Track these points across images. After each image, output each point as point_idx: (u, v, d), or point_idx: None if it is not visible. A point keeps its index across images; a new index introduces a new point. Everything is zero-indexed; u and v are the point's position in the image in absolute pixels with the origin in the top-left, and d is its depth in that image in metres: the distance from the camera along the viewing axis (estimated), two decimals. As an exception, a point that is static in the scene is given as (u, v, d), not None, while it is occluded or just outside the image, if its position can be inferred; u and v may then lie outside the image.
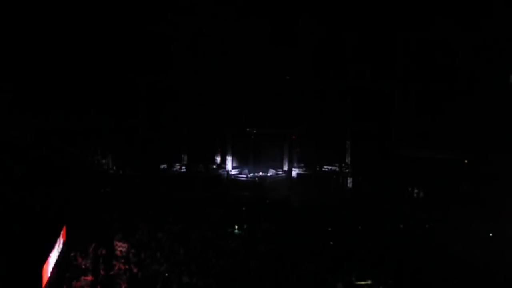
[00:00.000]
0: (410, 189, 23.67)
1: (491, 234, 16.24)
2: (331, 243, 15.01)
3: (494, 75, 22.26)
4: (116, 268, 12.68)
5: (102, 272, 12.29)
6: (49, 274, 7.91)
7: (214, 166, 26.98)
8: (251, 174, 25.95)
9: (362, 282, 11.78)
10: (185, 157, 26.71)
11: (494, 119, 21.51)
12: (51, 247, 8.24)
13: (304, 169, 26.76)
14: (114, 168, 25.12)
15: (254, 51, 24.01)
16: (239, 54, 24.23)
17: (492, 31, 21.61)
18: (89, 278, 11.85)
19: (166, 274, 11.98)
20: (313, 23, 23.11)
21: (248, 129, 26.30)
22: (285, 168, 26.84)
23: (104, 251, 13.62)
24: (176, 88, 25.22)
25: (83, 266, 12.66)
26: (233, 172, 26.60)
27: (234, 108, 25.12)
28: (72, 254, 12.80)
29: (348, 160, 26.11)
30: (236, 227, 16.95)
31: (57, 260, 8.68)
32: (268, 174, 26.13)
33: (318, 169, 26.18)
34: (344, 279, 11.83)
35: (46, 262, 7.70)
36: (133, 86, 24.56)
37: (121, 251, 13.90)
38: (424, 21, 22.46)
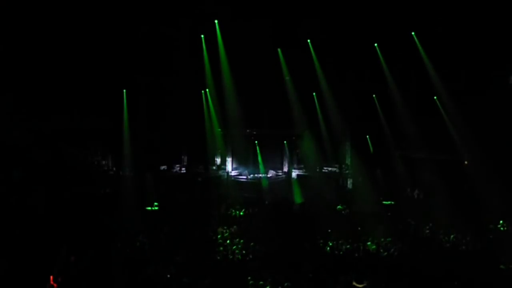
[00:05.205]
0: (409, 189, 23.71)
1: (491, 237, 16.26)
2: (330, 244, 15.02)
3: (494, 75, 22.24)
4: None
5: (101, 273, 12.28)
6: (51, 278, 7.94)
7: (214, 167, 27.00)
8: (251, 175, 25.97)
9: (360, 286, 11.73)
10: (185, 158, 26.79)
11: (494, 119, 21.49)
12: (54, 252, 8.28)
13: (304, 170, 26.76)
14: (114, 169, 25.18)
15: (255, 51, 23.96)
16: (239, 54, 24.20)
17: (492, 31, 21.60)
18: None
19: (169, 276, 11.97)
20: (314, 24, 23.08)
21: (248, 130, 26.30)
22: (285, 169, 26.88)
23: (103, 253, 13.62)
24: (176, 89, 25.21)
25: (83, 268, 12.65)
26: (233, 173, 26.63)
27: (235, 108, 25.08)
28: (72, 256, 12.80)
29: (348, 161, 26.11)
30: None
31: (58, 263, 8.71)
32: (268, 175, 26.16)
33: (318, 170, 26.16)
34: (343, 281, 11.82)
35: (49, 267, 7.74)
36: (134, 87, 24.61)
37: (121, 251, 13.91)
38: (423, 21, 22.45)
